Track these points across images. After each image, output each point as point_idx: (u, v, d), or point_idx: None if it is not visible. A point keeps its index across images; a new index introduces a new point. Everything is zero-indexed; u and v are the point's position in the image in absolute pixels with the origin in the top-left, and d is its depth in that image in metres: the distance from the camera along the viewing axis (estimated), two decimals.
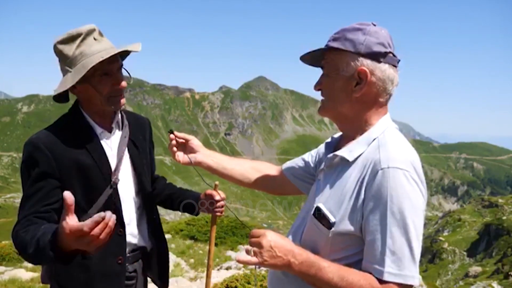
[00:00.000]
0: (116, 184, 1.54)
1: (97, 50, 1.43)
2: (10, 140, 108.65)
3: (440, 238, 40.40)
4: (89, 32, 1.45)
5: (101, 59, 1.38)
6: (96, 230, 1.04)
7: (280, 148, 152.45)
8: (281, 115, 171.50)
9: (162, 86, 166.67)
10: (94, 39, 1.46)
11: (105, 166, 1.53)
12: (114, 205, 1.54)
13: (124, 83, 1.50)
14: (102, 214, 1.04)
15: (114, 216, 1.06)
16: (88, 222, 1.03)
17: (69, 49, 1.44)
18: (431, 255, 38.27)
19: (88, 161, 1.49)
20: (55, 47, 1.46)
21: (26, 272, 6.32)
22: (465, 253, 37.13)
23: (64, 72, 1.47)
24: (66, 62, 1.46)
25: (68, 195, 1.02)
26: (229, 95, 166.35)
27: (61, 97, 1.53)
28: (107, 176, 1.53)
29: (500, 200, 45.57)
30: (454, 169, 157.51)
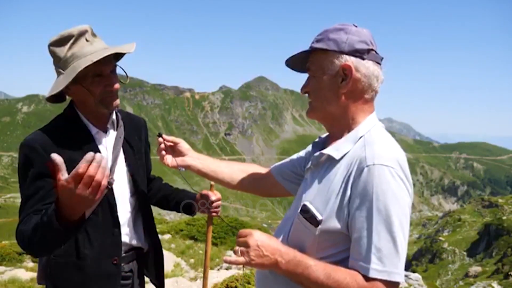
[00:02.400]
0: (111, 184, 1.54)
1: (89, 51, 1.42)
2: (10, 140, 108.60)
3: (440, 238, 40.30)
4: (81, 34, 1.44)
5: (90, 63, 1.38)
6: (91, 169, 0.98)
7: (280, 148, 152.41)
8: (281, 115, 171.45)
9: (162, 86, 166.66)
10: (86, 40, 1.44)
11: None
12: (109, 205, 1.54)
13: (117, 85, 1.49)
14: (91, 153, 0.99)
15: (105, 157, 1.02)
16: (80, 163, 0.98)
17: (61, 51, 1.43)
18: (431, 255, 38.18)
19: None
20: (48, 49, 1.46)
21: (26, 272, 6.32)
22: (465, 253, 37.07)
23: (58, 73, 1.47)
24: (58, 64, 1.45)
25: (56, 156, 0.97)
26: (229, 95, 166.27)
27: (55, 98, 1.53)
28: None
29: (500, 200, 45.50)
30: (454, 169, 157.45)
